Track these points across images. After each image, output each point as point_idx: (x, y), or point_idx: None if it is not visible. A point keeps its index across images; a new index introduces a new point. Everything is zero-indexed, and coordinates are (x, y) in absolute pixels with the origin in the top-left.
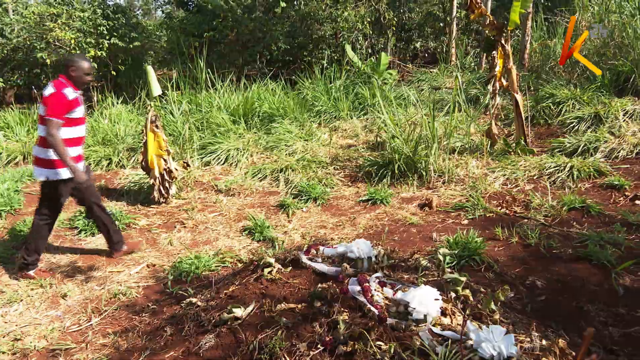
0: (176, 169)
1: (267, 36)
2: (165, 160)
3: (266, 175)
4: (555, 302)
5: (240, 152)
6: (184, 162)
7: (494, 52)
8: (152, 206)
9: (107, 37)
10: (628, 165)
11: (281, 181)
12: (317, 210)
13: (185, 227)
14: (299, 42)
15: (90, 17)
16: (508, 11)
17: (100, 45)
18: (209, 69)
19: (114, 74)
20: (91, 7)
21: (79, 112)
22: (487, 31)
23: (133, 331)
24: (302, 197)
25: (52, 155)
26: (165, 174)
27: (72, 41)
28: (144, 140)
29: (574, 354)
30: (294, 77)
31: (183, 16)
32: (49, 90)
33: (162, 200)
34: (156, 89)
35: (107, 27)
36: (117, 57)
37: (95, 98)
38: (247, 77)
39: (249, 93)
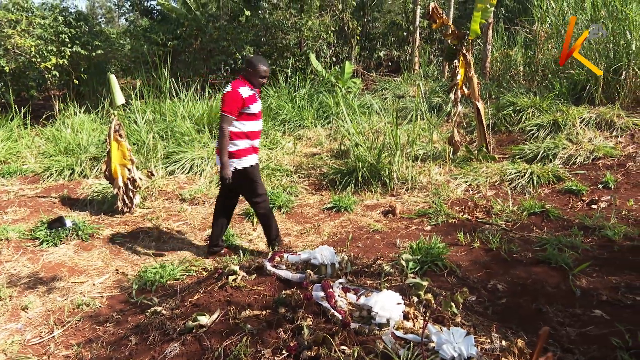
0: (140, 178)
1: (231, 45)
2: (129, 169)
3: None
4: (515, 305)
5: (205, 161)
6: (148, 172)
7: (455, 61)
8: (116, 216)
9: (69, 45)
10: (585, 171)
11: None
12: (282, 218)
13: (149, 236)
14: (264, 50)
15: (51, 24)
16: (470, 21)
17: (62, 53)
18: (173, 78)
19: (77, 82)
20: (52, 14)
21: (255, 108)
22: (449, 40)
23: (97, 342)
24: None
25: (234, 146)
26: (129, 184)
27: (33, 49)
28: (107, 150)
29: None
30: None
31: (147, 24)
32: (227, 88)
33: (126, 209)
34: (119, 98)
35: (69, 34)
36: (79, 65)
37: (56, 107)
38: (212, 85)
39: (214, 102)
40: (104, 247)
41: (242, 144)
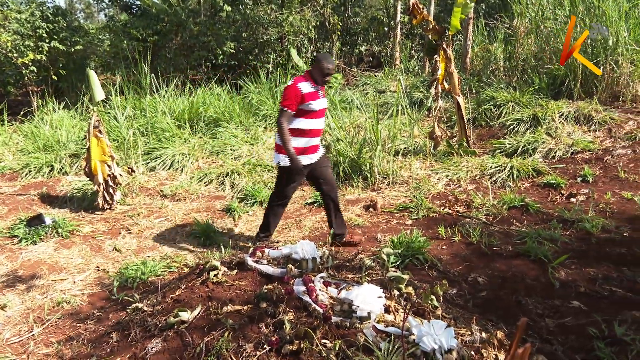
0: (121, 175)
1: (212, 40)
2: (109, 166)
3: (212, 180)
4: (495, 297)
5: (186, 157)
6: (129, 168)
7: (436, 56)
8: (96, 213)
9: (47, 41)
10: (564, 165)
11: (227, 185)
12: (263, 213)
13: (130, 233)
14: (245, 46)
15: (27, 19)
16: (450, 16)
17: (40, 49)
18: (153, 74)
19: (55, 78)
20: (28, 8)
21: (316, 105)
22: (429, 36)
23: (78, 339)
24: (248, 200)
25: (279, 141)
26: (109, 180)
27: (9, 44)
28: (87, 146)
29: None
30: (239, 81)
31: (126, 20)
32: (289, 82)
33: (106, 206)
34: (99, 94)
35: (47, 30)
36: (57, 61)
37: (35, 103)
38: (193, 81)
39: (194, 98)
40: (84, 245)
41: (298, 141)
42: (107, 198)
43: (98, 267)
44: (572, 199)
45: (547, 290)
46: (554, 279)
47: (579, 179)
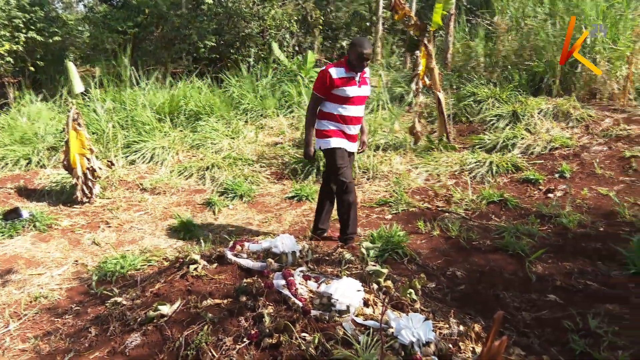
0: (100, 168)
1: (193, 33)
2: (88, 159)
3: (192, 174)
4: (474, 291)
5: (166, 150)
6: (108, 161)
7: (417, 51)
8: (75, 206)
9: (24, 31)
10: (542, 161)
11: (207, 179)
12: (244, 207)
13: (110, 226)
14: (226, 39)
15: (3, 7)
16: (431, 11)
17: (16, 39)
18: (133, 66)
19: (33, 69)
20: None
21: (350, 91)
22: (411, 31)
23: (55, 334)
24: (228, 194)
25: (322, 126)
26: (88, 173)
27: None
28: (65, 139)
29: None
30: (220, 74)
31: (106, 11)
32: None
33: (85, 200)
34: (78, 86)
35: (23, 20)
36: (35, 52)
37: (11, 95)
38: (174, 74)
39: (175, 91)
40: (62, 238)
41: (329, 125)
42: (86, 191)
43: (77, 261)
44: (550, 195)
45: (524, 284)
46: (531, 273)
47: (556, 175)
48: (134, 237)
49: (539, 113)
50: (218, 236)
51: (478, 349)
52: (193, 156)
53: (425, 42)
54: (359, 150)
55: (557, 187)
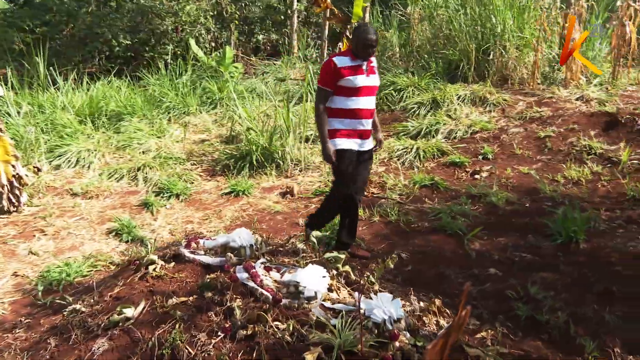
0: (27, 175)
1: (106, 32)
2: (13, 166)
3: (123, 175)
4: (420, 270)
5: (92, 153)
6: (35, 167)
7: (340, 43)
8: (2, 216)
9: None
10: (465, 145)
11: (140, 180)
12: (181, 206)
13: (46, 234)
14: (141, 37)
15: None
16: (345, 4)
17: None
18: (48, 67)
19: None
20: None
21: (358, 81)
22: (333, 24)
23: (9, 350)
24: (164, 194)
25: (328, 126)
26: (14, 181)
27: None
28: None
29: (448, 311)
30: (138, 73)
31: (8, 8)
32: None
33: (12, 209)
34: None
35: None
36: None
37: None
38: (90, 74)
39: (94, 92)
40: None
41: (336, 124)
42: (13, 200)
43: (15, 273)
44: (477, 176)
45: (464, 260)
46: (470, 250)
47: (480, 157)
48: (74, 244)
49: (457, 99)
50: (161, 236)
51: (442, 322)
52: (120, 157)
53: (347, 34)
54: (375, 149)
55: (482, 168)
